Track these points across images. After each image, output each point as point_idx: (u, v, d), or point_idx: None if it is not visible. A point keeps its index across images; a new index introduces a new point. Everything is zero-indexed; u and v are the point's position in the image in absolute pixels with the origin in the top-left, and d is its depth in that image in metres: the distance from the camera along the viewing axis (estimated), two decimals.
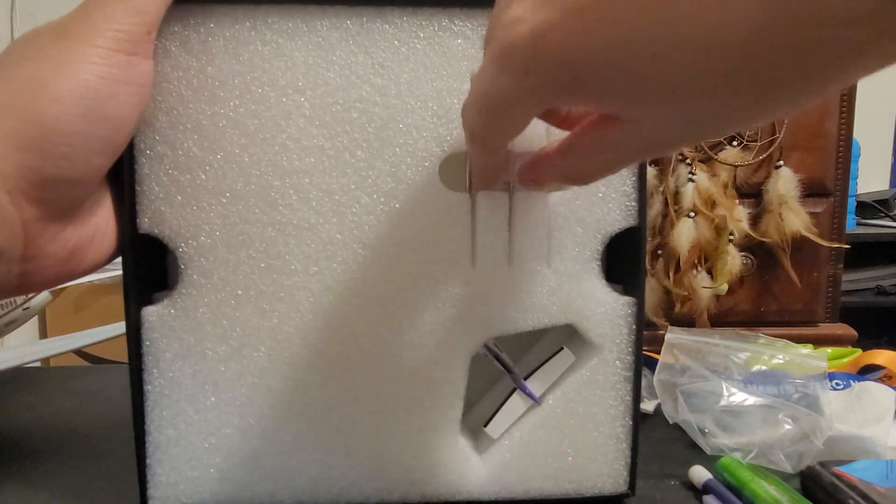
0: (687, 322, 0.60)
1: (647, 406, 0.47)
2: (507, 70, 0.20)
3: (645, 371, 0.43)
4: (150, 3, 0.28)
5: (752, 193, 0.60)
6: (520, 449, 0.34)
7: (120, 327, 0.60)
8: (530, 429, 0.34)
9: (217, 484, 0.33)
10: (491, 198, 0.32)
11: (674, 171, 0.59)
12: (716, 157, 0.59)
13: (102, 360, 0.89)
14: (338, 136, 0.32)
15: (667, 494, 0.37)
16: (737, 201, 0.59)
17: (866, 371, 0.49)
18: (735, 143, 0.59)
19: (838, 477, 0.35)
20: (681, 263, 0.58)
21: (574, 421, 0.34)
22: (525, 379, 0.35)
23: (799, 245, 0.60)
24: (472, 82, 0.24)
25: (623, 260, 0.35)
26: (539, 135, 0.31)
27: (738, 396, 0.42)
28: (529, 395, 0.35)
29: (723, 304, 0.61)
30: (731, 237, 0.58)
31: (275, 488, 0.33)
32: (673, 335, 0.46)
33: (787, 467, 0.38)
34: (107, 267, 0.32)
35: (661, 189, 0.59)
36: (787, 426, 0.40)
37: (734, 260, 0.58)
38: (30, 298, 0.57)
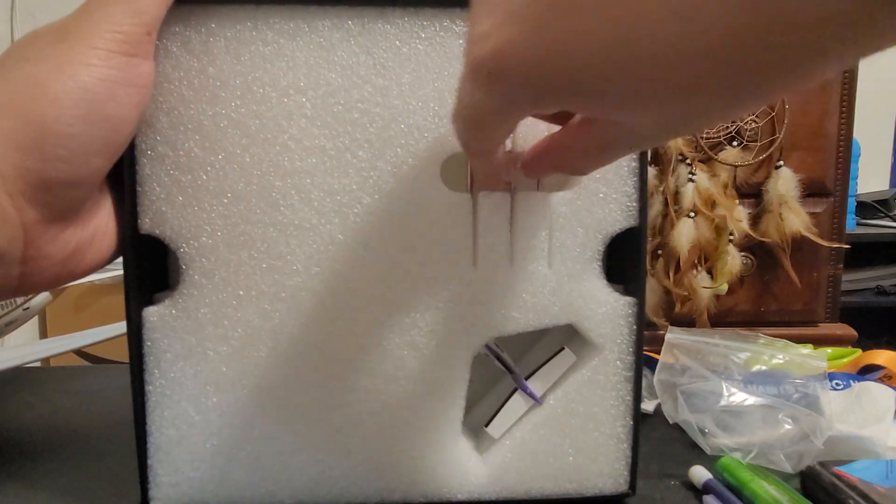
0: (687, 322, 0.60)
1: (647, 406, 0.47)
2: (479, 85, 0.21)
3: (645, 371, 0.43)
4: (150, 4, 0.28)
5: (752, 193, 0.60)
6: (521, 449, 0.34)
7: (120, 327, 0.60)
8: (531, 429, 0.35)
9: (218, 484, 0.33)
10: (492, 198, 0.32)
11: (674, 171, 0.59)
12: (716, 157, 0.59)
13: (102, 360, 0.89)
14: (339, 137, 0.32)
15: (667, 494, 0.37)
16: (737, 201, 0.59)
17: (866, 371, 0.49)
18: (735, 143, 0.59)
19: (838, 477, 0.35)
20: (681, 263, 0.58)
21: (575, 421, 0.35)
22: (526, 379, 0.35)
23: (799, 245, 0.60)
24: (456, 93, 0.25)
25: (624, 260, 0.35)
26: (541, 131, 0.31)
27: (738, 396, 0.42)
28: (531, 395, 0.35)
29: (723, 304, 0.61)
30: (731, 237, 0.58)
31: (276, 489, 0.33)
32: (673, 335, 0.47)
33: (787, 467, 0.38)
34: (107, 267, 0.32)
35: (661, 189, 0.59)
36: (787, 426, 0.40)
37: (734, 260, 0.58)
38: (30, 298, 0.57)
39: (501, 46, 0.19)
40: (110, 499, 0.35)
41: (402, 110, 0.32)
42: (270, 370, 0.33)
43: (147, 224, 0.31)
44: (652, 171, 0.58)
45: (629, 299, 0.34)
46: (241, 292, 0.32)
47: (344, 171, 0.32)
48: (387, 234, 0.32)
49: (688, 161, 0.58)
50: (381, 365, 0.33)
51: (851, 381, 0.46)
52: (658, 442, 0.43)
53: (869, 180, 1.69)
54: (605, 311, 0.34)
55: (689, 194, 0.58)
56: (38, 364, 0.60)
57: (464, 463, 0.34)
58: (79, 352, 0.74)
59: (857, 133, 0.63)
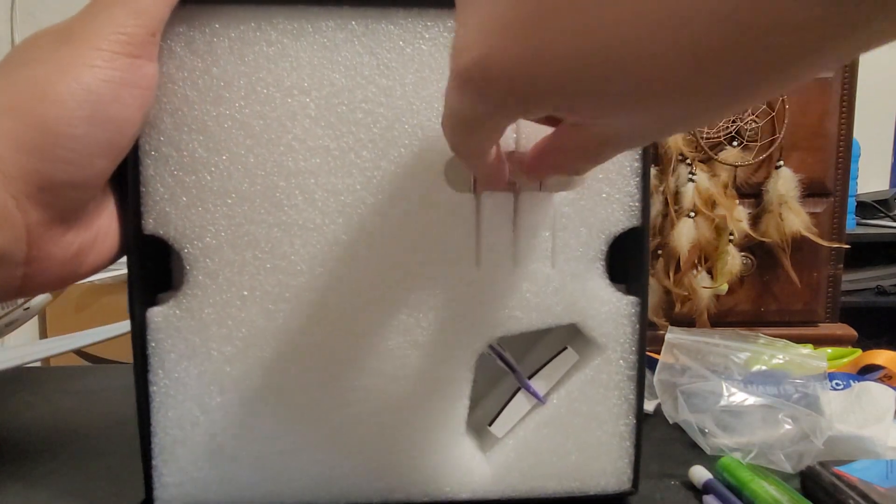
0: (687, 322, 0.60)
1: (647, 406, 0.47)
2: (466, 93, 0.21)
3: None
4: (153, 6, 0.28)
5: (752, 193, 0.61)
6: (524, 448, 0.35)
7: (120, 327, 0.60)
8: (534, 428, 0.35)
9: (222, 484, 0.33)
10: (495, 198, 0.32)
11: (674, 171, 0.59)
12: (716, 157, 0.59)
13: (102, 360, 0.89)
14: (343, 137, 0.32)
15: (667, 494, 0.37)
16: (737, 201, 0.59)
17: (866, 371, 0.50)
18: (735, 143, 0.59)
19: (838, 477, 0.35)
20: (681, 263, 0.58)
21: (578, 420, 0.35)
22: (529, 378, 0.35)
23: (799, 245, 0.60)
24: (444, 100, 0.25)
25: (626, 260, 0.35)
26: (543, 132, 0.31)
27: (738, 396, 0.42)
28: (534, 395, 0.35)
29: (723, 304, 0.61)
30: (731, 237, 0.58)
31: (279, 488, 0.33)
32: (673, 335, 0.47)
33: (787, 467, 0.38)
34: (107, 267, 0.32)
35: (661, 189, 0.59)
36: (787, 426, 0.40)
37: (734, 260, 0.59)
38: (29, 298, 0.57)
39: (486, 54, 0.19)
40: (110, 499, 0.35)
41: (405, 110, 0.32)
42: (274, 370, 0.33)
43: (151, 224, 0.31)
44: (652, 171, 0.58)
45: (632, 298, 0.34)
46: (245, 292, 0.32)
47: (348, 172, 0.32)
48: (390, 233, 0.32)
49: (688, 161, 0.59)
50: (385, 364, 0.33)
51: (851, 381, 0.46)
52: (658, 442, 0.43)
53: (869, 180, 1.69)
54: (608, 310, 0.34)
55: (689, 194, 0.58)
56: (38, 364, 0.60)
57: (467, 462, 0.34)
58: (79, 352, 0.74)
59: (857, 133, 0.64)
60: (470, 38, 0.20)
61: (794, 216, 0.58)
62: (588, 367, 0.35)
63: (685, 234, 0.58)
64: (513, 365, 0.35)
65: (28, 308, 0.56)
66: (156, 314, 0.32)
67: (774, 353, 0.46)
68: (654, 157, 0.59)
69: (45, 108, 0.26)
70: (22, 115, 0.26)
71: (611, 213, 0.34)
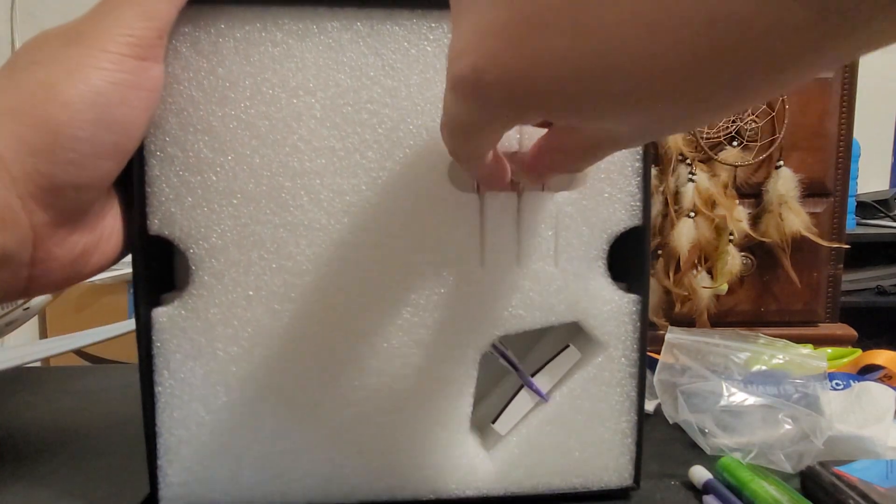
0: (687, 322, 0.60)
1: (648, 406, 0.47)
2: (462, 100, 0.21)
3: None
4: (162, 8, 0.28)
5: (752, 193, 0.61)
6: (527, 445, 0.35)
7: (120, 327, 0.60)
8: (538, 425, 0.35)
9: (228, 484, 0.33)
10: (499, 198, 0.33)
11: (674, 171, 0.59)
12: (716, 157, 0.59)
13: (102, 360, 0.89)
14: (348, 138, 0.32)
15: (667, 494, 0.37)
16: (737, 201, 0.60)
17: (866, 371, 0.50)
18: (735, 143, 0.60)
19: (838, 477, 0.35)
20: (681, 263, 0.58)
21: (580, 417, 0.35)
22: (531, 376, 0.35)
23: (799, 245, 0.60)
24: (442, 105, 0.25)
25: (626, 258, 0.35)
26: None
27: (738, 396, 0.42)
28: (537, 393, 0.35)
29: (723, 304, 0.62)
30: (731, 237, 0.59)
31: (286, 487, 0.33)
32: (673, 335, 0.47)
33: (787, 467, 0.38)
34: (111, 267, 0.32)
35: (661, 189, 0.59)
36: (787, 426, 0.40)
37: (734, 260, 0.59)
38: (30, 298, 0.56)
39: (480, 61, 0.19)
40: (110, 499, 0.35)
41: (410, 111, 0.32)
42: (280, 370, 0.33)
43: (156, 225, 0.31)
44: (652, 171, 0.58)
45: (633, 297, 0.35)
46: (251, 292, 0.32)
47: (353, 172, 0.32)
48: (395, 233, 0.32)
49: (688, 161, 0.59)
50: (390, 363, 0.33)
51: (851, 381, 0.46)
52: (658, 442, 0.43)
53: (869, 180, 1.69)
54: (610, 308, 0.34)
55: (689, 194, 0.58)
56: (38, 364, 0.60)
57: (471, 459, 0.34)
58: (79, 352, 0.74)
59: (857, 133, 0.64)
60: (464, 43, 0.20)
61: (794, 216, 0.59)
62: (590, 364, 0.35)
63: (685, 234, 0.58)
64: (515, 363, 0.35)
65: (28, 308, 0.56)
66: (161, 314, 0.32)
67: (774, 353, 0.46)
68: (654, 157, 0.59)
69: (51, 110, 0.26)
70: (28, 116, 0.26)
71: (612, 213, 0.34)
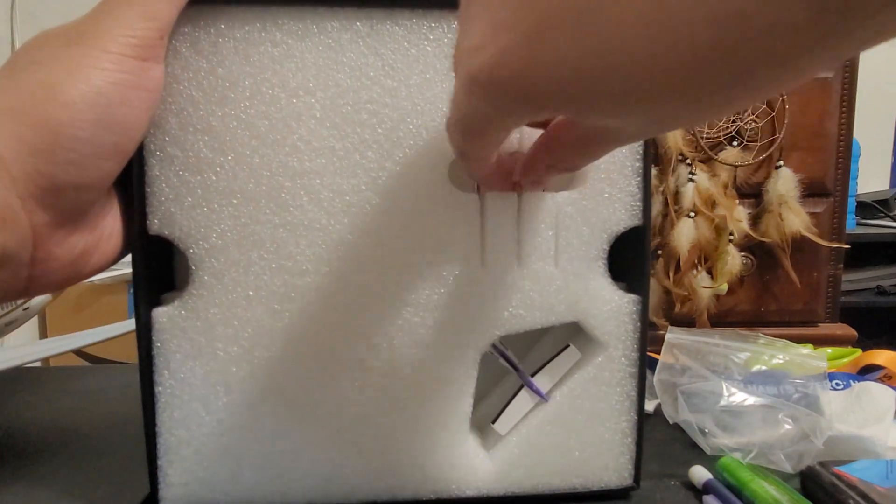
0: (687, 322, 0.60)
1: (648, 406, 0.47)
2: (476, 96, 0.21)
3: None
4: (163, 9, 0.28)
5: (752, 193, 0.61)
6: (527, 445, 0.35)
7: (120, 327, 0.59)
8: (538, 425, 0.35)
9: (229, 484, 0.33)
10: (499, 198, 0.33)
11: (674, 171, 0.59)
12: (716, 157, 0.59)
13: (102, 360, 0.89)
14: (348, 138, 0.32)
15: (667, 494, 0.37)
16: (737, 201, 0.60)
17: (866, 371, 0.50)
18: (735, 143, 0.60)
19: (838, 477, 0.35)
20: (681, 263, 0.58)
21: (580, 417, 0.35)
22: (531, 376, 0.35)
23: (799, 245, 0.60)
24: (450, 103, 0.25)
25: (626, 258, 0.35)
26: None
27: (738, 396, 0.42)
28: (537, 393, 0.35)
29: (723, 304, 0.62)
30: (731, 237, 0.59)
31: (286, 488, 0.33)
32: (673, 335, 0.47)
33: (787, 467, 0.38)
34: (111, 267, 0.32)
35: (661, 189, 0.59)
36: (787, 426, 0.40)
37: (734, 260, 0.59)
38: (29, 298, 0.56)
39: (496, 58, 0.19)
40: (110, 499, 0.35)
41: (410, 111, 0.32)
42: (280, 370, 0.33)
43: (156, 225, 0.31)
44: (652, 171, 0.58)
45: (633, 297, 0.35)
46: (251, 292, 0.32)
47: (353, 172, 0.32)
48: (395, 233, 0.32)
49: (688, 161, 0.59)
50: (390, 363, 0.33)
51: (851, 381, 0.46)
52: (658, 442, 0.43)
53: (869, 180, 1.69)
54: (610, 308, 0.34)
55: (689, 194, 0.58)
56: (38, 364, 0.60)
57: (472, 459, 0.34)
58: (79, 352, 0.74)
59: (857, 133, 0.64)
60: (479, 40, 0.20)
61: (794, 216, 0.59)
62: (590, 364, 0.35)
63: (685, 234, 0.58)
64: (515, 363, 0.35)
65: (28, 308, 0.56)
66: (161, 314, 0.32)
67: (774, 353, 0.46)
68: (653, 157, 0.59)
69: (52, 110, 0.26)
70: (29, 116, 0.26)
71: (613, 213, 0.34)
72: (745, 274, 0.61)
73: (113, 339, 0.58)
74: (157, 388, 0.32)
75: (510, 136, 0.32)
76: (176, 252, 0.34)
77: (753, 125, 0.59)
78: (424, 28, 0.32)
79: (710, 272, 0.60)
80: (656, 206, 0.59)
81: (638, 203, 0.34)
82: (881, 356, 0.50)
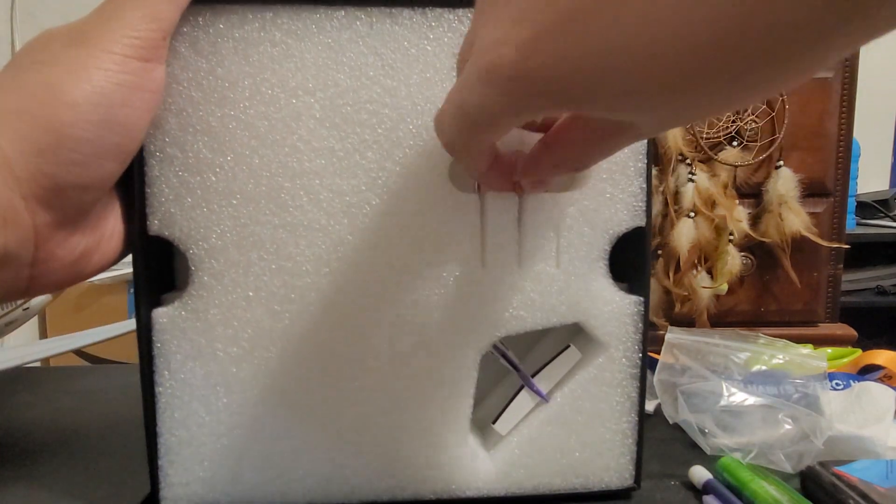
0: (687, 322, 0.60)
1: (648, 406, 0.47)
2: (494, 89, 0.21)
3: None
4: (165, 10, 0.28)
5: (752, 193, 0.61)
6: (528, 445, 0.35)
7: (120, 327, 0.60)
8: (538, 425, 0.35)
9: (229, 484, 0.33)
10: (500, 198, 0.33)
11: (674, 171, 0.59)
12: (716, 157, 0.59)
13: (102, 360, 0.89)
14: (348, 138, 0.32)
15: (667, 494, 0.37)
16: (737, 201, 0.60)
17: (866, 371, 0.50)
18: (735, 143, 0.60)
19: (838, 477, 0.35)
20: (681, 263, 0.58)
21: (581, 418, 0.35)
22: (532, 376, 0.35)
23: (799, 245, 0.60)
24: (448, 96, 0.25)
25: (627, 259, 0.35)
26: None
27: (738, 396, 0.42)
28: (538, 393, 0.35)
29: (723, 304, 0.61)
30: (731, 237, 0.59)
31: (287, 488, 0.33)
32: (673, 335, 0.47)
33: (787, 467, 0.38)
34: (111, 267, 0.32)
35: (661, 189, 0.59)
36: (787, 426, 0.40)
37: (734, 260, 0.59)
38: (29, 298, 0.56)
39: (520, 51, 0.19)
40: (110, 498, 0.35)
41: (410, 111, 0.32)
42: (280, 370, 0.33)
43: (156, 225, 0.31)
44: (652, 171, 0.58)
45: (635, 298, 0.35)
46: (251, 293, 0.32)
47: (353, 172, 0.32)
48: (395, 234, 0.32)
49: (688, 161, 0.59)
50: (390, 364, 0.33)
51: (851, 381, 0.46)
52: (658, 442, 0.43)
53: (869, 180, 1.70)
54: (612, 309, 0.34)
55: (689, 194, 0.58)
56: (38, 364, 0.60)
57: (472, 460, 0.34)
58: (79, 352, 0.74)
59: (857, 133, 0.64)
60: (501, 33, 0.20)
61: (794, 216, 0.58)
62: (591, 365, 0.35)
63: (685, 234, 0.58)
64: (516, 363, 0.35)
65: (28, 308, 0.56)
66: (161, 315, 0.32)
67: (774, 353, 0.46)
68: (653, 157, 0.59)
69: (55, 111, 0.26)
70: (32, 117, 0.26)
71: (614, 213, 0.34)
72: (745, 274, 0.61)
73: (113, 339, 0.59)
74: (158, 389, 0.32)
75: (511, 135, 0.32)
76: (176, 252, 0.34)
77: (753, 125, 0.59)
78: (424, 27, 0.32)
79: (710, 272, 0.60)
80: (656, 206, 0.59)
81: (640, 203, 0.34)
82: (881, 356, 0.50)
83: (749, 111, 0.59)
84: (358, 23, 0.31)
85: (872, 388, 0.44)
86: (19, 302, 0.55)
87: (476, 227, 0.33)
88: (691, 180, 0.58)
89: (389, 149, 0.32)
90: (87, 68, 0.26)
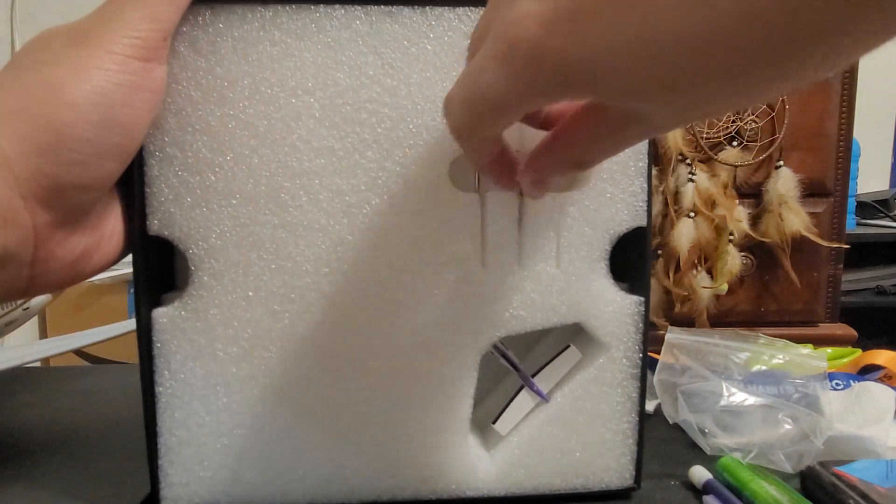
0: (687, 322, 0.60)
1: (648, 406, 0.47)
2: (510, 66, 0.20)
3: None
4: (166, 10, 0.28)
5: (752, 193, 0.61)
6: (528, 445, 0.35)
7: (120, 327, 0.60)
8: (538, 426, 0.35)
9: (229, 484, 0.33)
10: (500, 198, 0.33)
11: (674, 171, 0.59)
12: (716, 157, 0.59)
13: (102, 360, 0.89)
14: (348, 137, 0.32)
15: (667, 494, 0.37)
16: (737, 201, 0.59)
17: (866, 371, 0.50)
18: (735, 143, 0.59)
19: (838, 477, 0.35)
20: (681, 263, 0.58)
21: (582, 418, 0.35)
22: (532, 376, 0.35)
23: (799, 245, 0.60)
24: (459, 78, 0.24)
25: (628, 259, 0.35)
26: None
27: (738, 396, 0.42)
28: (538, 393, 0.35)
29: (723, 304, 0.61)
30: (731, 237, 0.58)
31: (287, 488, 0.33)
32: (673, 335, 0.47)
33: (787, 467, 0.38)
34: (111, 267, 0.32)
35: (661, 189, 0.59)
36: (787, 426, 0.40)
37: (734, 260, 0.59)
38: (29, 298, 0.56)
39: (542, 28, 0.19)
40: (110, 498, 0.35)
41: (410, 110, 0.32)
42: (280, 370, 0.33)
43: (156, 225, 0.31)
44: (652, 171, 0.58)
45: (636, 298, 0.35)
46: (251, 293, 0.32)
47: (352, 172, 0.32)
48: (395, 234, 0.32)
49: (688, 161, 0.59)
50: (390, 364, 0.33)
51: (851, 381, 0.46)
52: (658, 442, 0.43)
53: (869, 180, 1.70)
54: (612, 309, 0.34)
55: (689, 194, 0.58)
56: (38, 364, 0.60)
57: (472, 460, 0.34)
58: (79, 352, 0.74)
59: (857, 133, 0.64)
60: (524, 11, 0.19)
61: (794, 216, 0.58)
62: (592, 365, 0.35)
63: (685, 234, 0.58)
64: (516, 363, 0.35)
65: (28, 308, 0.56)
66: (161, 315, 0.32)
67: (774, 353, 0.46)
68: (654, 157, 0.59)
69: (56, 111, 0.26)
70: (33, 117, 0.26)
71: (615, 213, 0.34)
72: (745, 274, 0.61)
73: (113, 339, 0.59)
74: (158, 389, 0.32)
75: (511, 133, 0.32)
76: (176, 252, 0.34)
77: (753, 125, 0.59)
78: (424, 27, 0.32)
79: (710, 272, 0.60)
80: (656, 206, 0.59)
81: (641, 203, 0.34)
82: (881, 356, 0.50)
83: (749, 111, 0.59)
84: (357, 22, 0.31)
85: (872, 388, 0.44)
86: (19, 302, 0.55)
87: (476, 227, 0.33)
88: (691, 180, 0.58)
89: (389, 148, 0.32)
90: (88, 68, 0.26)
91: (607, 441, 0.35)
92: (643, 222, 0.34)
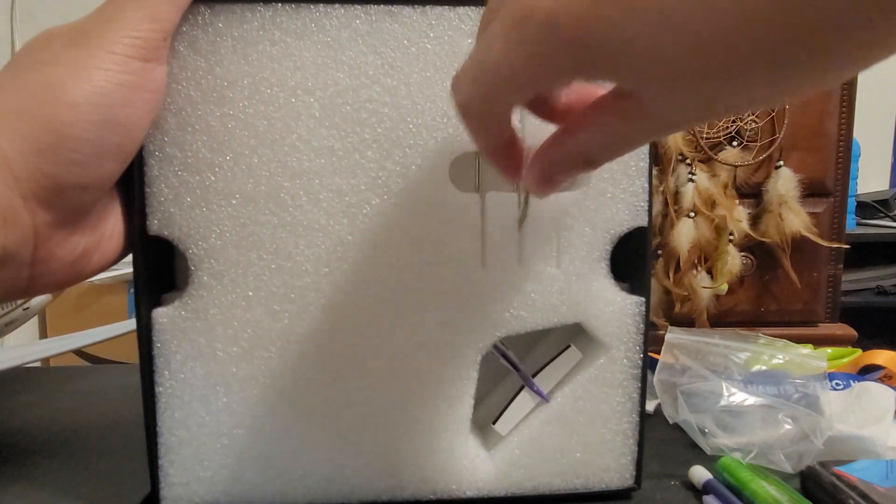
0: (687, 322, 0.60)
1: (648, 406, 0.47)
2: (522, 38, 0.19)
3: None
4: (166, 10, 0.28)
5: (752, 193, 0.61)
6: (528, 445, 0.35)
7: (120, 327, 0.59)
8: (539, 426, 0.35)
9: (229, 484, 0.33)
10: (501, 198, 0.33)
11: (674, 171, 0.59)
12: (716, 157, 0.59)
13: (102, 360, 0.89)
14: (348, 137, 0.32)
15: (667, 494, 0.37)
16: (737, 201, 0.59)
17: (866, 371, 0.50)
18: (735, 143, 0.59)
19: (838, 477, 0.35)
20: (681, 263, 0.58)
21: (582, 418, 0.35)
22: (532, 376, 0.35)
23: (799, 245, 0.60)
24: (471, 54, 0.23)
25: (628, 259, 0.35)
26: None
27: (738, 396, 0.42)
28: (538, 393, 0.35)
29: (723, 304, 0.61)
30: (731, 237, 0.58)
31: (287, 488, 0.33)
32: (673, 335, 0.47)
33: (787, 467, 0.38)
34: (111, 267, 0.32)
35: (661, 189, 0.59)
36: (787, 426, 0.40)
37: (734, 260, 0.59)
38: (29, 298, 0.56)
39: (561, 2, 0.18)
40: (110, 498, 0.35)
41: (410, 110, 0.32)
42: (280, 370, 0.33)
43: (155, 225, 0.31)
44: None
45: (636, 298, 0.35)
46: (251, 293, 0.32)
47: (352, 172, 0.32)
48: (395, 234, 0.32)
49: (688, 161, 0.59)
50: (390, 364, 0.33)
51: (851, 381, 0.46)
52: (658, 442, 0.43)
53: (869, 180, 1.69)
54: (613, 310, 0.34)
55: (689, 194, 0.58)
56: (38, 364, 0.60)
57: (472, 460, 0.34)
58: (79, 352, 0.74)
59: (857, 133, 0.64)
60: None
61: (794, 216, 0.58)
62: (592, 365, 0.35)
63: (685, 234, 0.58)
64: (516, 363, 0.35)
65: (28, 308, 0.56)
66: (161, 315, 0.32)
67: (774, 353, 0.46)
68: (654, 157, 0.59)
69: (56, 111, 0.26)
70: (33, 116, 0.26)
71: (615, 213, 0.34)
72: (745, 274, 0.61)
73: (113, 339, 0.59)
74: (158, 389, 0.32)
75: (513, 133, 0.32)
76: (176, 252, 0.34)
77: (753, 125, 0.59)
78: (425, 26, 0.32)
79: (710, 272, 0.60)
80: (656, 206, 0.59)
81: (642, 203, 0.34)
82: (881, 356, 0.50)
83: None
84: (357, 21, 0.31)
85: (872, 388, 0.44)
86: (19, 302, 0.55)
87: (476, 226, 0.33)
88: (691, 180, 0.58)
89: (389, 148, 0.32)
90: (88, 68, 0.26)
91: (607, 441, 0.35)
92: (644, 222, 0.34)
